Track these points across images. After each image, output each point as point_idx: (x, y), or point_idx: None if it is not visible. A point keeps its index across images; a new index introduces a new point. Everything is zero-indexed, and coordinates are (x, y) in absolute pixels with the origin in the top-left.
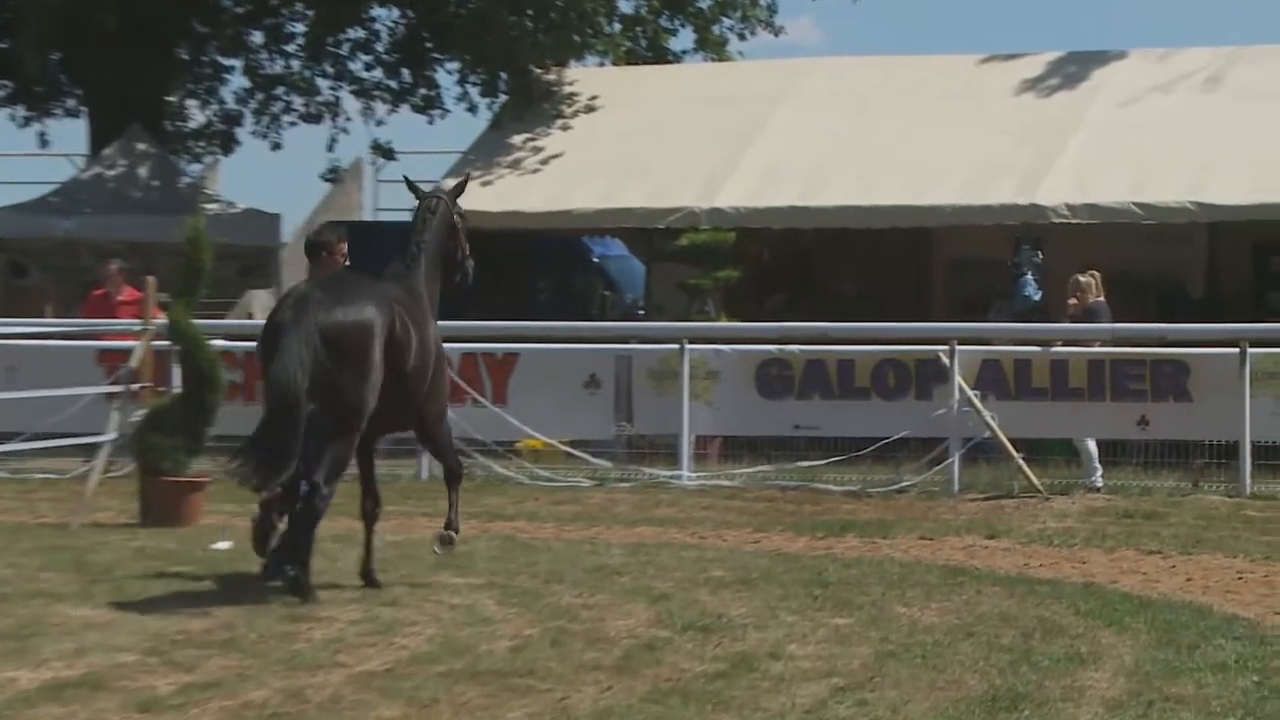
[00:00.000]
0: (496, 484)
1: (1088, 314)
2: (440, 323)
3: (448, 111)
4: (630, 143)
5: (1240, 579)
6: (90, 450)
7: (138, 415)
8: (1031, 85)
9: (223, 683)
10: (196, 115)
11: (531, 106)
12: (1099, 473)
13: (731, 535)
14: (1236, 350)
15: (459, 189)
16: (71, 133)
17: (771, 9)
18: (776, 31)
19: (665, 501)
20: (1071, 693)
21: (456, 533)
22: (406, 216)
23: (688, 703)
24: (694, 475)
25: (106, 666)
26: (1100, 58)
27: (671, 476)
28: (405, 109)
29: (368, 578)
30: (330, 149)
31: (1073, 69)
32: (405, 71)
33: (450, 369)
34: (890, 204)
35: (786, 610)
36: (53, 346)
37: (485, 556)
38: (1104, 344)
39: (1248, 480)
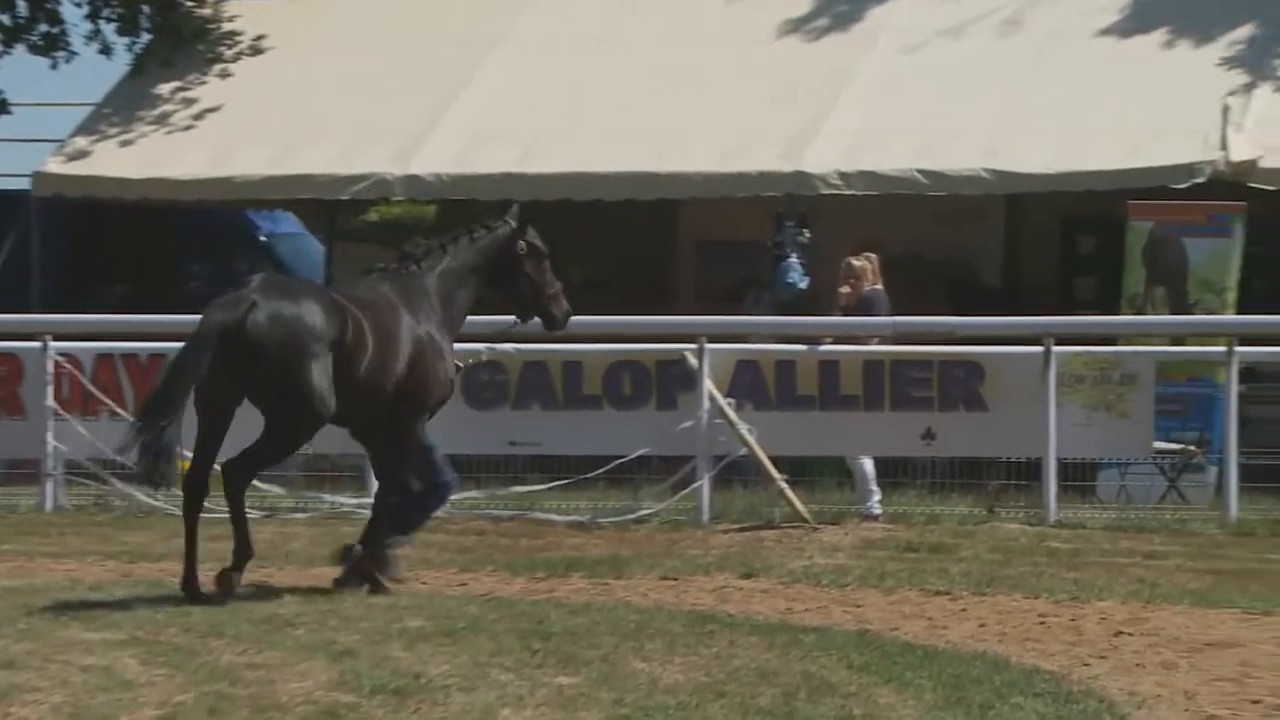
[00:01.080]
0: (141, 516)
1: (863, 305)
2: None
3: (75, 54)
4: (307, 94)
5: (1043, 624)
6: None
7: None
8: (795, 27)
9: None
10: None
11: (182, 49)
12: (876, 497)
13: (432, 576)
14: (1040, 349)
15: (524, 221)
16: None
17: None
18: None
19: (351, 536)
20: None
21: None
22: (24, 184)
23: None
24: None
25: None
26: None
27: (359, 505)
28: (21, 50)
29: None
30: None
31: (844, 8)
32: (20, 3)
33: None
34: (626, 171)
35: (499, 667)
36: None
37: (125, 606)
38: (883, 341)
39: (1052, 505)
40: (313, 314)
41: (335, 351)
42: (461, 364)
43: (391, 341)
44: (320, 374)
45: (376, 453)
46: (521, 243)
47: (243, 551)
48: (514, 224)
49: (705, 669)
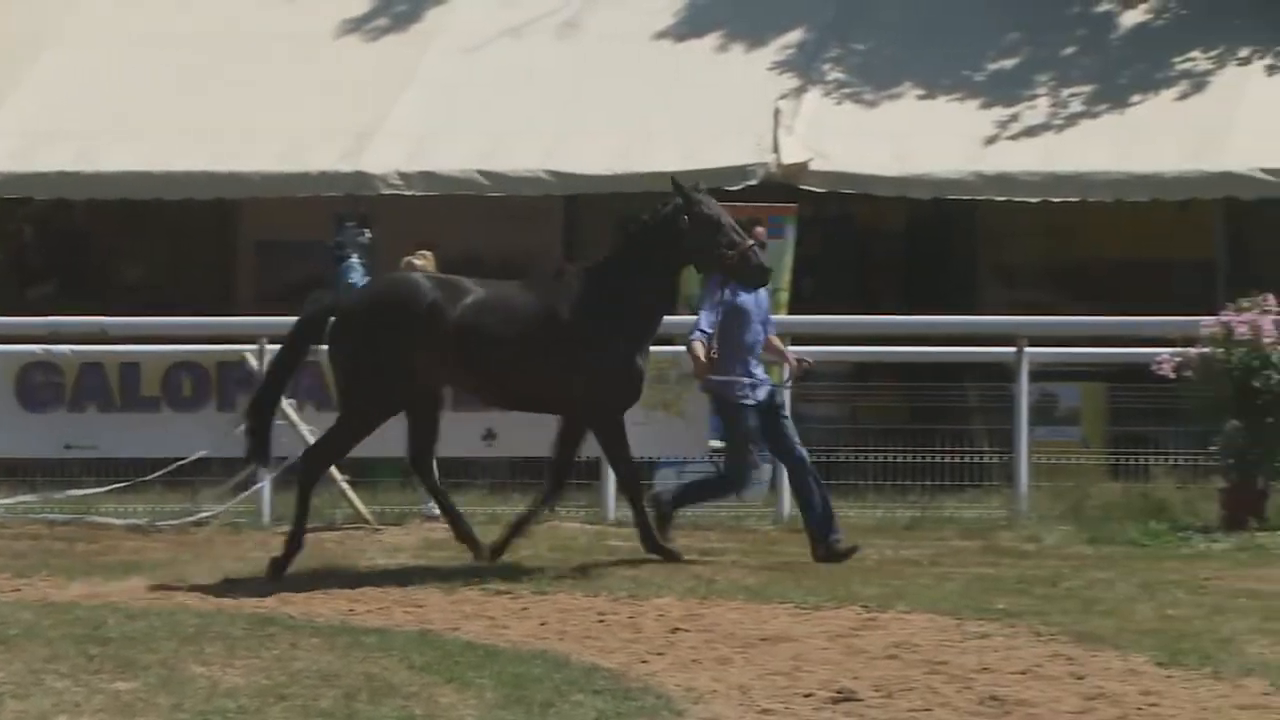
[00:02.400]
0: None
1: None
2: None
3: None
4: None
5: (602, 621)
6: None
7: None
8: (355, 27)
9: None
10: None
11: None
12: None
13: None
14: None
15: (685, 195)
16: None
17: None
18: None
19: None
20: None
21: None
22: None
23: None
24: None
25: None
26: None
27: None
28: None
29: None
30: None
31: (403, 8)
32: None
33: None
34: (184, 170)
35: (54, 674)
36: None
37: None
38: None
39: (611, 504)
40: (378, 305)
41: (422, 335)
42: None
43: (487, 325)
44: (381, 360)
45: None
46: (683, 218)
47: (292, 543)
48: (679, 200)
49: (266, 672)
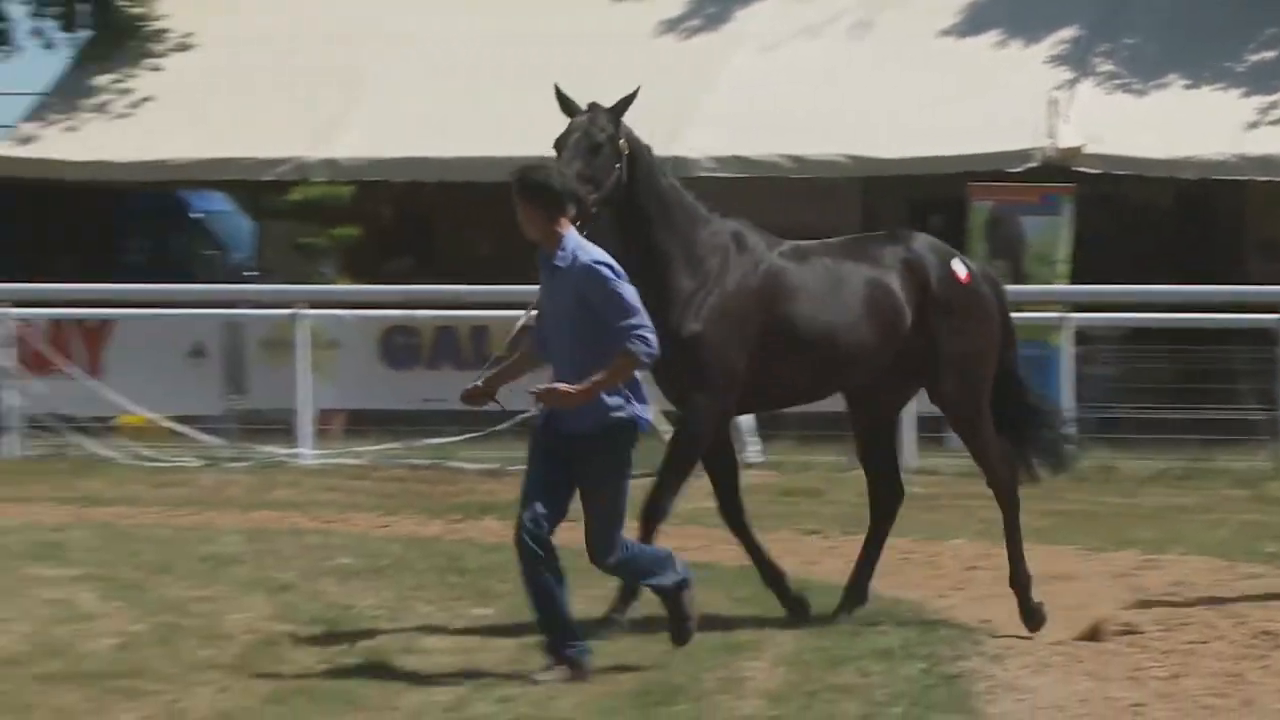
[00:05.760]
0: (94, 465)
1: None
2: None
3: (17, 48)
4: (231, 84)
5: (904, 559)
6: None
7: None
8: (671, 27)
9: None
10: None
11: (119, 44)
12: (757, 447)
13: (359, 519)
14: None
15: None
16: None
17: None
18: None
19: (284, 483)
20: (729, 684)
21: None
22: None
23: (315, 703)
24: (315, 454)
25: None
26: None
27: (290, 455)
28: None
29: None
30: None
31: (713, 10)
32: None
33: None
34: (517, 155)
35: (421, 600)
36: None
37: (82, 546)
38: None
39: (910, 454)
40: None
41: None
42: None
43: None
44: None
45: None
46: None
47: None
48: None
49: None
